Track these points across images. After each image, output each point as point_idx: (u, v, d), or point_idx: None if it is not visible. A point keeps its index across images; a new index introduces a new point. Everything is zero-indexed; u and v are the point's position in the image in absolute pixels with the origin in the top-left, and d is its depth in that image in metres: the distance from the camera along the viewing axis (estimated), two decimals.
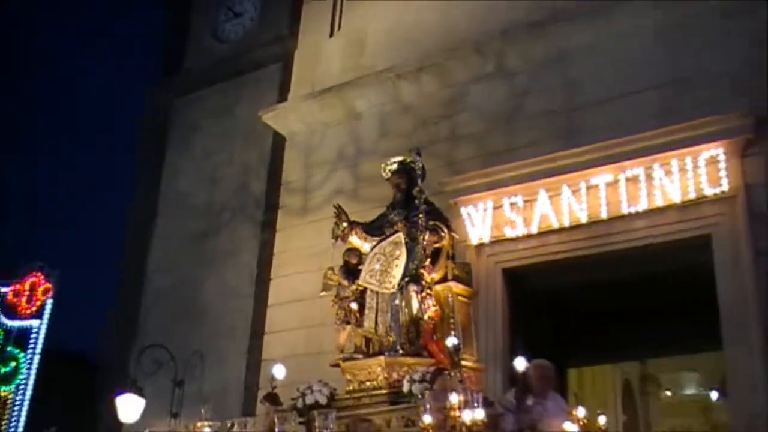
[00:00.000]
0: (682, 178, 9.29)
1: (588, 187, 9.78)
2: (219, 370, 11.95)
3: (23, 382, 11.37)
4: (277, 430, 6.06)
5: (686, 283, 10.28)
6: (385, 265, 7.84)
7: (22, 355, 11.55)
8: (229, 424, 6.86)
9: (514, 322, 10.26)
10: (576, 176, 9.82)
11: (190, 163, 14.47)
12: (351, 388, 7.60)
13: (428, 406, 6.18)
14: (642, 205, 9.45)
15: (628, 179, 9.55)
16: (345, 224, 8.33)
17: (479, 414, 5.94)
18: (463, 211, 10.42)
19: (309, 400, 7.29)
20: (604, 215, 9.64)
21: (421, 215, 7.81)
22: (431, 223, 7.93)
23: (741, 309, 8.79)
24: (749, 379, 8.60)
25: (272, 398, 7.26)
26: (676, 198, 9.30)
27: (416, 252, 7.75)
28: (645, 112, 9.76)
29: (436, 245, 7.95)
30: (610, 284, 10.78)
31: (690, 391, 24.17)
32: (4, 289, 11.82)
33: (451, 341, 7.13)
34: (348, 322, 7.97)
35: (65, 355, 17.05)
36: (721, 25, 9.73)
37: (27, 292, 11.83)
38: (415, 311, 7.60)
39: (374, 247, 8.09)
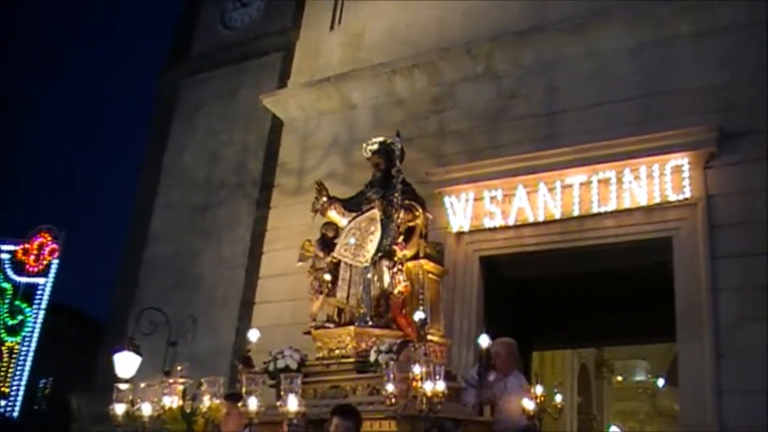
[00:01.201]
0: (649, 183, 9.44)
1: (563, 186, 9.90)
2: (211, 334, 12.03)
3: (29, 334, 11.43)
4: (243, 389, 5.82)
5: (646, 280, 10.47)
6: (360, 239, 7.70)
7: (28, 309, 11.59)
8: (199, 382, 6.70)
9: (487, 305, 10.40)
10: (553, 175, 9.94)
11: (193, 141, 14.49)
12: (321, 355, 7.49)
13: (392, 376, 6.09)
14: (611, 206, 9.60)
15: (600, 181, 9.69)
16: (324, 199, 8.17)
17: (440, 386, 5.84)
18: (446, 200, 10.53)
19: (280, 364, 7.18)
20: (576, 213, 9.78)
21: (397, 194, 7.62)
22: (407, 202, 7.75)
23: (695, 307, 8.96)
24: (698, 371, 8.78)
25: (246, 361, 7.24)
26: (643, 201, 9.45)
27: (390, 229, 7.59)
28: (619, 121, 9.91)
29: (410, 224, 7.77)
30: (576, 276, 10.96)
31: (640, 377, 24.50)
32: (14, 248, 11.84)
33: (418, 315, 7.01)
34: (321, 293, 7.80)
35: (68, 312, 17.12)
36: (692, 47, 9.90)
37: (35, 252, 11.87)
38: (386, 285, 7.45)
39: (350, 221, 7.94)
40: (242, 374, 6.61)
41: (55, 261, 11.89)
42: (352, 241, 7.70)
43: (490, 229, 10.30)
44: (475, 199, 10.39)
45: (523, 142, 10.49)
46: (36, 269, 11.78)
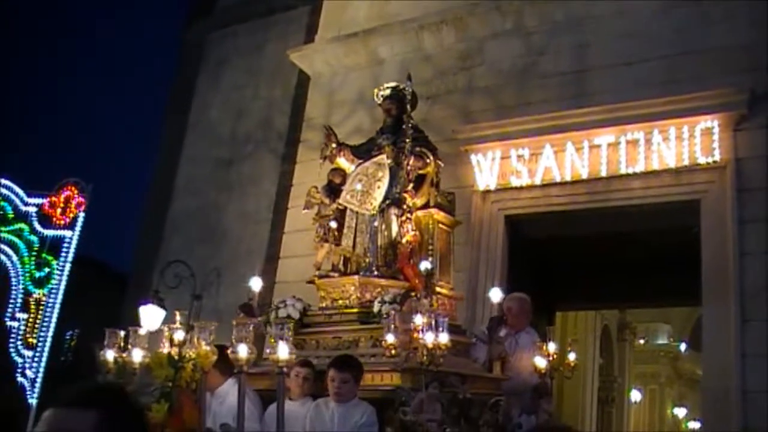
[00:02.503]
0: (678, 145, 9.37)
1: (591, 146, 9.86)
2: (234, 289, 12.07)
3: (55, 286, 11.56)
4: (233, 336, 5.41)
5: (671, 243, 10.43)
6: (367, 186, 7.52)
7: (54, 262, 11.73)
8: (192, 326, 6.31)
9: (511, 265, 10.43)
10: (581, 135, 9.89)
11: (219, 95, 14.53)
12: (324, 305, 7.30)
13: (392, 326, 5.96)
14: (639, 167, 9.54)
15: (628, 141, 9.63)
16: (334, 145, 7.99)
17: (443, 338, 5.67)
18: (473, 158, 10.52)
19: (281, 313, 7.03)
20: (603, 173, 9.74)
21: (407, 140, 7.40)
22: (417, 149, 7.54)
23: (721, 271, 8.92)
24: (723, 336, 8.76)
25: (247, 309, 6.99)
26: (671, 163, 9.39)
27: (400, 176, 7.40)
28: (649, 81, 9.81)
29: (421, 171, 7.58)
30: (601, 238, 10.91)
31: (662, 341, 24.55)
32: (41, 201, 11.95)
33: (425, 265, 6.82)
34: (326, 241, 7.60)
35: (93, 265, 17.34)
36: (723, 6, 9.74)
37: (62, 205, 11.95)
38: (393, 234, 7.26)
39: (357, 167, 7.77)
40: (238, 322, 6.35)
41: (82, 214, 11.98)
42: (359, 187, 7.53)
43: (516, 188, 10.30)
44: (502, 158, 10.38)
45: (551, 100, 10.45)
46: (63, 221, 11.89)
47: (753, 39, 9.36)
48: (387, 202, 7.35)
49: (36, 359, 11.11)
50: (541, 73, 10.81)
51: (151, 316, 10.65)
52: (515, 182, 10.28)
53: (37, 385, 10.38)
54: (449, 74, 11.55)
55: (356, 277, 7.16)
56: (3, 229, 11.62)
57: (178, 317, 6.24)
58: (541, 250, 11.13)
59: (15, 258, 11.55)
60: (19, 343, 10.94)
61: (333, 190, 7.82)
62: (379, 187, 7.45)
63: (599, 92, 10.14)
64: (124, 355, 6.19)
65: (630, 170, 9.61)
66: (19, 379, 10.46)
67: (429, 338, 5.62)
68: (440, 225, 7.61)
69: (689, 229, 9.41)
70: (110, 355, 6.18)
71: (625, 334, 21.85)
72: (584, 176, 9.87)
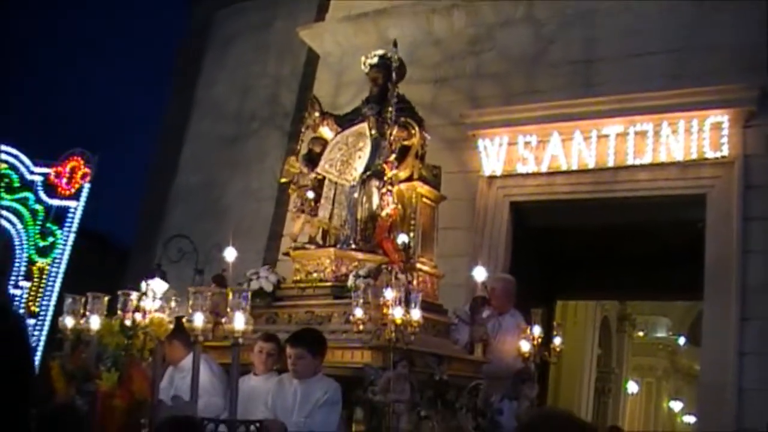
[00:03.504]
0: (686, 138, 9.39)
1: (599, 136, 9.88)
2: (236, 264, 12.18)
3: (59, 256, 11.65)
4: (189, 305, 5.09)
5: (675, 237, 10.52)
6: (347, 155, 7.26)
7: (59, 231, 11.80)
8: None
9: (514, 251, 10.46)
10: (589, 124, 9.91)
11: (225, 72, 14.51)
12: (298, 278, 7.02)
13: (361, 300, 5.80)
14: (647, 159, 9.58)
15: (637, 133, 9.65)
16: (317, 114, 7.68)
17: (415, 314, 5.52)
18: (480, 143, 10.53)
19: (254, 285, 6.80)
20: (610, 163, 9.77)
21: (390, 109, 7.06)
22: (402, 119, 7.24)
23: (724, 267, 8.97)
24: (722, 332, 8.83)
25: (219, 280, 6.77)
26: (679, 156, 9.42)
27: (383, 147, 7.11)
28: (658, 73, 9.85)
29: (405, 142, 7.28)
30: (605, 228, 10.96)
31: (661, 334, 24.61)
32: (46, 170, 12.02)
33: (402, 238, 6.63)
34: (303, 211, 7.36)
35: (94, 237, 17.39)
36: (734, 3, 9.71)
37: (67, 175, 12.02)
38: (374, 207, 7.01)
39: (336, 135, 7.43)
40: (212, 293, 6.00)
41: (87, 185, 12.04)
42: (338, 156, 7.25)
43: (522, 175, 10.33)
44: (509, 144, 10.39)
45: (559, 88, 10.47)
46: (68, 192, 11.95)
47: (763, 37, 9.38)
48: (368, 173, 7.14)
49: (38, 327, 11.20)
50: (551, 61, 10.81)
51: (156, 289, 10.70)
52: (521, 169, 10.30)
53: (38, 352, 10.44)
54: (458, 58, 11.55)
55: (332, 249, 6.94)
56: (8, 197, 11.69)
57: (144, 287, 5.99)
58: (545, 238, 11.17)
59: (20, 226, 11.63)
60: (21, 310, 11.01)
61: (312, 159, 7.48)
62: (359, 157, 7.23)
63: (608, 82, 10.16)
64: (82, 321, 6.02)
65: (637, 161, 9.64)
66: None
67: (398, 314, 5.46)
68: (424, 199, 7.37)
69: (694, 223, 9.46)
70: (69, 321, 6.06)
71: (624, 326, 21.93)
72: (591, 166, 9.89)
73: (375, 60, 7.81)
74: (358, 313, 5.75)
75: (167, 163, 14.40)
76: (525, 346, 6.80)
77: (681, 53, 9.87)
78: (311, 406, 5.43)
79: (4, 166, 11.90)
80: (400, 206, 7.07)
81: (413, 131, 7.34)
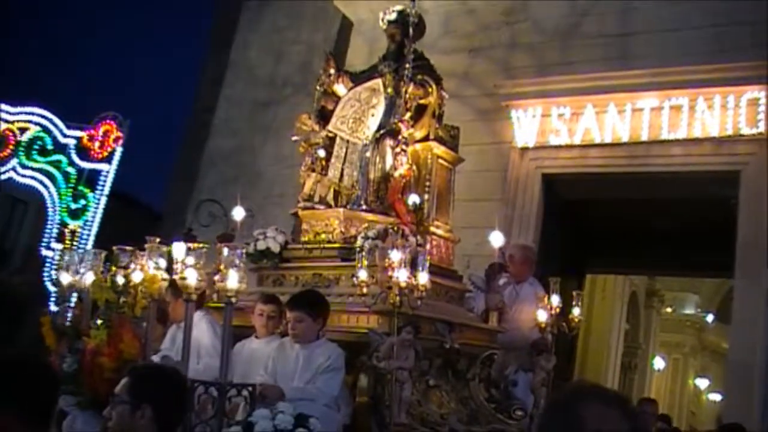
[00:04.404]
0: (722, 113, 9.31)
1: (633, 109, 9.80)
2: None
3: (91, 218, 11.79)
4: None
5: (707, 213, 10.41)
6: (359, 112, 6.92)
7: (91, 195, 11.93)
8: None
9: (546, 223, 10.45)
10: (624, 97, 9.84)
11: (259, 36, 14.54)
12: (306, 238, 6.69)
13: (364, 261, 5.52)
14: (681, 133, 9.50)
15: (672, 107, 9.58)
16: (332, 71, 7.32)
17: (422, 278, 5.22)
18: (513, 114, 10.50)
19: (260, 246, 6.52)
20: (644, 137, 9.70)
21: (407, 65, 6.71)
22: (419, 76, 6.89)
23: (756, 245, 8.92)
24: (754, 310, 8.79)
25: (226, 239, 6.45)
26: (714, 132, 9.34)
27: (398, 105, 6.75)
28: (694, 48, 9.70)
29: (422, 101, 6.93)
30: (637, 202, 10.96)
31: (689, 311, 24.49)
32: (79, 134, 12.12)
33: (413, 198, 6.36)
34: (313, 170, 6.95)
35: (129, 199, 17.57)
36: None
37: (100, 138, 12.13)
38: (387, 167, 6.65)
39: (349, 91, 7.10)
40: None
41: (119, 149, 12.15)
42: (350, 113, 6.93)
43: (554, 147, 10.29)
44: (543, 115, 10.35)
45: (594, 60, 10.36)
46: (100, 155, 12.07)
47: None
48: (382, 131, 6.81)
49: None
50: (586, 33, 10.71)
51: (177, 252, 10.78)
52: (554, 141, 10.26)
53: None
54: (492, 29, 11.46)
55: (341, 210, 6.62)
56: (42, 159, 11.83)
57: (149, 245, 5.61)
58: (576, 210, 11.14)
59: (52, 189, 11.77)
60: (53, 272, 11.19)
61: (324, 116, 7.13)
62: (373, 115, 6.91)
63: (644, 56, 10.06)
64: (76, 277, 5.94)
65: (671, 136, 9.56)
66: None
67: (402, 276, 5.15)
68: (440, 160, 7.01)
69: (727, 200, 9.37)
70: (65, 277, 5.98)
71: (652, 302, 21.83)
72: (624, 139, 9.83)
73: (393, 16, 7.38)
74: (362, 275, 5.46)
75: (201, 126, 14.49)
76: (542, 316, 6.45)
77: (718, 28, 9.72)
78: (313, 371, 5.24)
79: (38, 128, 12.04)
80: (414, 167, 6.78)
81: (430, 89, 7.02)
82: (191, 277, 4.72)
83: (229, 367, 5.51)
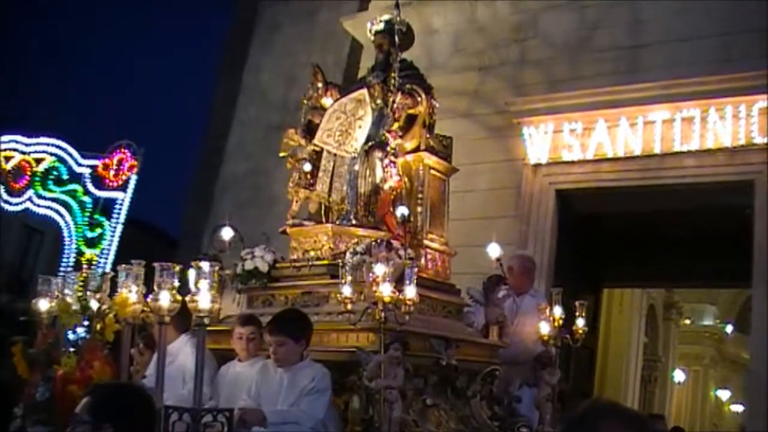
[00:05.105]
0: (734, 123, 9.28)
1: (645, 122, 9.78)
2: (283, 253, 12.30)
3: (107, 247, 11.86)
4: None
5: (722, 224, 10.40)
6: (345, 124, 6.68)
7: (107, 223, 12.01)
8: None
9: (561, 238, 10.44)
10: (635, 110, 9.82)
11: (271, 60, 14.66)
12: (294, 256, 6.51)
13: (349, 277, 5.26)
14: (694, 145, 9.47)
15: (683, 119, 9.56)
16: (320, 84, 7.16)
17: (410, 292, 4.98)
18: (525, 131, 10.51)
19: (248, 266, 6.36)
20: (657, 150, 9.68)
21: (394, 74, 6.57)
22: (408, 86, 6.73)
23: None
24: None
25: (215, 260, 5.90)
26: (726, 142, 9.31)
27: (386, 115, 6.58)
28: (705, 58, 9.68)
29: (411, 111, 6.73)
30: (652, 215, 10.95)
31: (707, 322, 24.39)
32: (94, 162, 12.22)
33: (401, 210, 6.08)
34: (301, 186, 6.79)
35: (145, 227, 17.67)
36: None
37: (115, 167, 12.23)
38: (377, 180, 6.48)
39: (334, 102, 6.84)
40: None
41: (134, 176, 12.24)
42: (336, 125, 6.67)
43: (567, 162, 10.28)
44: (554, 131, 10.35)
45: (604, 75, 10.37)
46: (115, 183, 12.16)
47: None
48: (370, 143, 6.62)
49: None
50: (595, 47, 10.72)
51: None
52: (567, 156, 10.25)
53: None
54: (502, 46, 11.49)
55: (329, 225, 6.43)
56: (57, 189, 11.91)
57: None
58: (591, 225, 11.11)
59: (68, 218, 11.85)
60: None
61: (311, 130, 6.87)
62: (360, 127, 6.70)
63: (654, 68, 10.05)
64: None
65: (684, 148, 9.54)
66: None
67: (386, 290, 4.89)
68: (432, 171, 6.80)
69: (742, 209, 9.35)
70: (43, 304, 5.77)
71: (671, 314, 21.73)
72: (637, 152, 9.81)
73: (381, 26, 7.25)
74: (346, 291, 5.21)
75: (215, 151, 14.57)
76: (544, 329, 6.22)
77: (728, 37, 9.71)
78: (297, 394, 5.02)
79: (53, 159, 12.13)
80: (406, 179, 6.62)
81: (419, 98, 6.81)
82: (164, 299, 4.41)
83: (215, 392, 5.48)
